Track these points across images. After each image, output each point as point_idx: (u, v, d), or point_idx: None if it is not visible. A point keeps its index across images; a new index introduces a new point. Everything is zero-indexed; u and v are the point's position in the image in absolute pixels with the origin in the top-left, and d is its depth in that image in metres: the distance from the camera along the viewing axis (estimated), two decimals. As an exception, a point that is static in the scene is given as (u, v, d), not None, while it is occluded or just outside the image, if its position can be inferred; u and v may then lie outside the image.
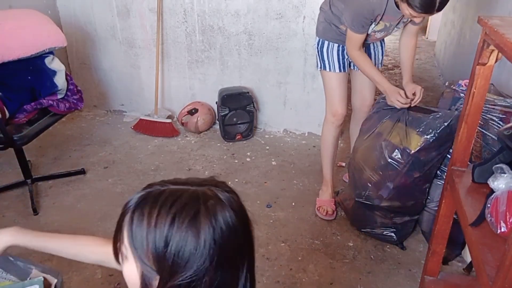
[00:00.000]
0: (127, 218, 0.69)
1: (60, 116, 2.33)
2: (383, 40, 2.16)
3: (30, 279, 0.94)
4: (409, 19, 1.88)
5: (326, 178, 2.32)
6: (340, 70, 2.08)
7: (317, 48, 2.09)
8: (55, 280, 0.94)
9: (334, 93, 2.14)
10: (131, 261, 0.68)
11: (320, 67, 2.11)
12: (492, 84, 1.88)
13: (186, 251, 0.63)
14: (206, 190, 0.68)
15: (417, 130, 1.82)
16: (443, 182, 1.72)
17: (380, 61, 2.23)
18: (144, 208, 0.67)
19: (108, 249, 0.95)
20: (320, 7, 2.09)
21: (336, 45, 2.05)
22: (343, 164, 2.70)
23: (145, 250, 0.65)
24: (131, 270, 0.68)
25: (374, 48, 2.16)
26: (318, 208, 2.25)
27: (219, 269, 0.65)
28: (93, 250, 0.98)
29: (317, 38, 2.10)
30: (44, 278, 0.93)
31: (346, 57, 2.06)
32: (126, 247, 0.68)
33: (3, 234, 0.95)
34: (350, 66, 2.13)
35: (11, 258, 1.09)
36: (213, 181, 0.72)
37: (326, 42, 2.07)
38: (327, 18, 2.03)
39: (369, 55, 2.11)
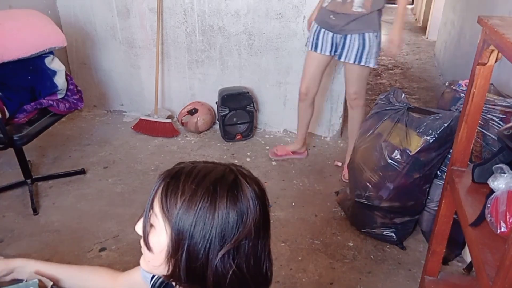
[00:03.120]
0: (161, 188, 0.69)
1: (60, 116, 2.33)
2: (363, 35, 2.18)
3: (26, 281, 0.94)
4: None
5: (298, 138, 2.74)
6: (311, 48, 2.31)
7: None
8: (51, 283, 0.93)
9: (304, 70, 2.43)
10: (159, 230, 0.69)
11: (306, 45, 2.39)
12: (492, 84, 1.88)
13: (230, 218, 0.66)
14: (233, 167, 0.72)
15: (417, 131, 1.82)
16: (443, 182, 1.72)
17: (356, 58, 2.23)
18: (180, 178, 0.68)
19: (113, 282, 0.97)
20: None
21: (316, 25, 2.29)
22: (339, 163, 2.71)
23: (178, 217, 0.66)
24: (158, 240, 0.70)
25: (350, 40, 2.21)
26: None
27: (255, 238, 0.68)
28: (98, 283, 1.00)
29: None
30: (39, 281, 0.93)
31: (323, 38, 2.26)
32: (157, 215, 0.69)
33: (16, 259, 0.97)
34: (334, 53, 2.29)
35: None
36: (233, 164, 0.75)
37: (313, 22, 2.33)
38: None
39: (343, 47, 2.22)
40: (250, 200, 0.68)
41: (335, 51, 2.27)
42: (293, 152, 2.75)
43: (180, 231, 0.66)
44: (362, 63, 2.22)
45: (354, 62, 2.22)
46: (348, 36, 2.18)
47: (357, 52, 2.19)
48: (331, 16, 2.17)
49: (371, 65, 2.25)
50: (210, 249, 0.66)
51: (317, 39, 2.27)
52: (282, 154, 2.74)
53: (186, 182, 0.67)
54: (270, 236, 0.74)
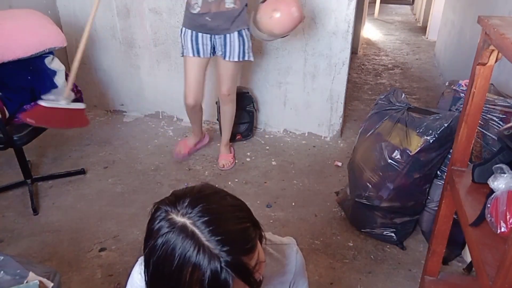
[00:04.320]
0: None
1: (60, 116, 2.32)
2: (239, 32, 2.26)
3: (27, 282, 0.94)
4: None
5: (194, 133, 2.77)
6: (192, 54, 2.32)
7: (180, 35, 2.35)
8: (51, 284, 0.93)
9: (187, 79, 2.43)
10: None
11: (182, 53, 2.38)
12: (492, 84, 1.88)
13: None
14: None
15: (417, 131, 1.82)
16: (443, 182, 1.72)
17: (239, 54, 2.30)
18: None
19: None
20: None
21: (189, 31, 2.29)
22: (340, 163, 2.70)
23: None
24: None
25: (230, 39, 2.27)
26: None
27: None
28: None
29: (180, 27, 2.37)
30: (40, 282, 0.93)
31: (203, 42, 2.29)
32: None
33: None
34: (213, 53, 2.34)
35: (11, 259, 1.08)
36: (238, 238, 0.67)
37: (183, 29, 2.32)
38: (186, 5, 2.27)
39: (225, 46, 2.28)
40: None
41: (214, 52, 2.34)
42: (196, 145, 2.79)
43: None
44: (246, 58, 2.34)
45: (239, 59, 2.31)
46: (228, 36, 2.26)
47: (239, 49, 2.29)
48: (207, 18, 2.19)
49: (252, 59, 2.38)
50: None
51: (197, 43, 2.29)
52: (186, 152, 2.72)
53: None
54: None
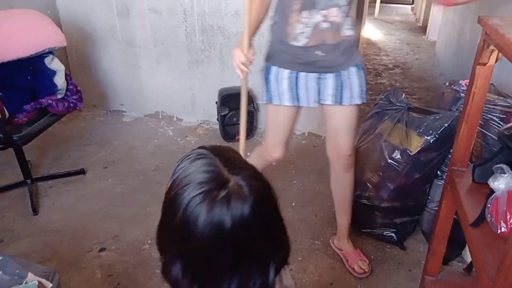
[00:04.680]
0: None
1: (60, 116, 2.33)
2: (359, 65, 1.61)
3: (26, 283, 0.94)
4: None
5: None
6: (289, 103, 1.65)
7: (264, 76, 1.68)
8: (50, 285, 0.93)
9: (276, 133, 1.76)
10: None
11: (265, 100, 1.69)
12: (492, 84, 1.88)
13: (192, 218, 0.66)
14: (233, 179, 0.68)
15: (418, 131, 1.82)
16: (443, 182, 1.72)
17: (361, 96, 1.64)
18: (189, 156, 0.73)
19: None
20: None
21: (287, 70, 1.61)
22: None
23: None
24: None
25: (348, 76, 1.60)
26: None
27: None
28: None
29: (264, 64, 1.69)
30: (39, 282, 0.93)
31: (306, 85, 1.62)
32: None
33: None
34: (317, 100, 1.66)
35: (11, 259, 1.08)
36: (251, 177, 0.71)
37: (274, 68, 1.64)
38: (274, 34, 1.67)
39: (342, 88, 1.60)
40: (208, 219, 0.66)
41: (321, 97, 1.65)
42: None
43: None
44: (365, 100, 1.67)
45: (362, 100, 1.64)
46: (344, 73, 1.59)
47: (360, 88, 1.62)
48: (319, 53, 1.53)
49: (366, 100, 1.69)
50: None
51: (297, 87, 1.62)
52: None
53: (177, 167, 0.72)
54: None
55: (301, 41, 1.52)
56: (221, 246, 0.67)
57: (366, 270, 1.85)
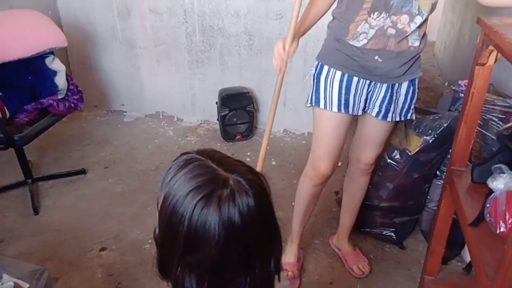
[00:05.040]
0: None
1: (61, 116, 2.33)
2: (414, 80, 1.52)
3: (2, 284, 0.93)
4: None
5: (293, 234, 1.87)
6: (338, 109, 1.51)
7: (313, 75, 1.55)
8: (27, 285, 0.93)
9: (322, 142, 1.60)
10: None
11: (312, 102, 1.56)
12: (491, 84, 1.88)
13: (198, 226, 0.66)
14: (231, 177, 0.68)
15: (417, 131, 1.83)
16: (442, 182, 1.73)
17: (409, 111, 1.56)
18: (175, 164, 0.73)
19: None
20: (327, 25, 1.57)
21: (339, 72, 1.47)
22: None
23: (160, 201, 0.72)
24: None
25: (401, 89, 1.51)
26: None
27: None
28: None
29: (316, 62, 1.56)
30: (15, 284, 0.92)
31: (357, 91, 1.49)
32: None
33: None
34: (363, 109, 1.55)
35: None
36: (246, 172, 0.71)
37: (325, 68, 1.50)
38: (332, 31, 1.51)
39: (390, 100, 1.51)
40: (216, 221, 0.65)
41: (367, 106, 1.54)
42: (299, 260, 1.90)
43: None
44: (409, 117, 1.57)
45: (401, 117, 1.56)
46: (396, 86, 1.49)
47: (405, 105, 1.53)
48: (377, 58, 1.41)
49: (414, 117, 1.61)
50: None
51: (348, 93, 1.48)
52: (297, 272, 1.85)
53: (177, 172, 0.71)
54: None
55: (361, 42, 1.40)
56: (233, 244, 0.66)
57: (365, 271, 1.85)
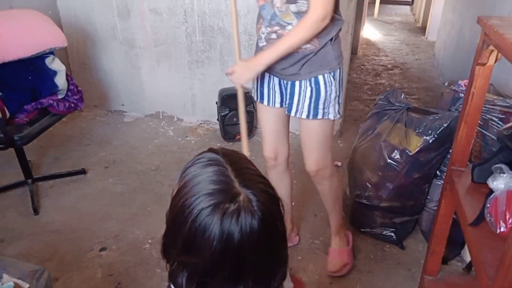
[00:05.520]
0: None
1: (61, 116, 2.33)
2: (315, 79, 1.55)
3: (2, 284, 0.93)
4: None
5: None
6: (256, 99, 1.71)
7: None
8: (27, 285, 0.93)
9: (262, 128, 1.80)
10: None
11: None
12: (491, 84, 1.89)
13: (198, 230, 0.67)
14: (243, 192, 0.68)
15: (417, 131, 1.83)
16: (442, 182, 1.73)
17: (310, 110, 1.59)
18: (198, 160, 0.75)
19: None
20: None
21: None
22: (339, 163, 2.71)
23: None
24: None
25: (300, 87, 1.58)
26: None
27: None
28: None
29: None
30: (15, 284, 0.92)
31: (270, 85, 1.65)
32: None
33: None
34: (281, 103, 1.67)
35: None
36: (262, 192, 0.70)
37: None
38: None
39: (291, 97, 1.61)
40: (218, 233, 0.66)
41: (284, 103, 1.66)
42: None
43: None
44: (320, 117, 1.58)
45: (308, 116, 1.59)
46: (297, 83, 1.57)
47: (310, 102, 1.57)
48: None
49: (331, 117, 1.59)
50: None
51: (262, 86, 1.66)
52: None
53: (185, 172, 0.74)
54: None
55: (262, 42, 1.59)
56: (227, 258, 0.67)
57: (335, 270, 1.85)
